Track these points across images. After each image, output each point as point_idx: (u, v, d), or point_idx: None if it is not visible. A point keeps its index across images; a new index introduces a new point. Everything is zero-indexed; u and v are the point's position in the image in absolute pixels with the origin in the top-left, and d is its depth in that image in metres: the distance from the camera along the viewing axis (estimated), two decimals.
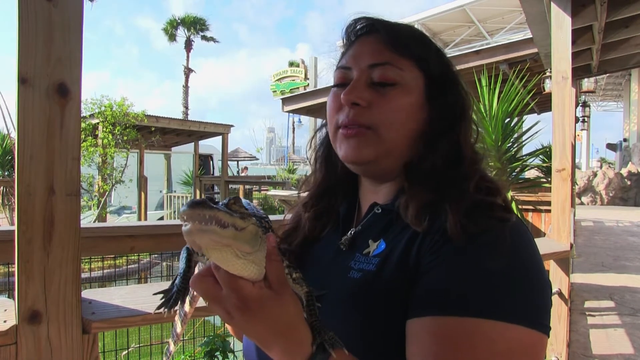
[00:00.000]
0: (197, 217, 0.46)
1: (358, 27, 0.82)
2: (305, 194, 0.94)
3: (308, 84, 19.57)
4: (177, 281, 0.65)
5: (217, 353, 2.80)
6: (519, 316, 0.59)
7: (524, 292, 0.61)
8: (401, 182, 0.77)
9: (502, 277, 0.61)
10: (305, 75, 20.24)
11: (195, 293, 0.72)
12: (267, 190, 15.14)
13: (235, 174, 21.49)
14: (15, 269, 1.06)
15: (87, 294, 1.31)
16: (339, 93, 0.78)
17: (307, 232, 0.88)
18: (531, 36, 5.02)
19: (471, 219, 0.64)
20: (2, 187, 9.77)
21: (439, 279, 0.63)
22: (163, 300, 0.65)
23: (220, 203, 0.50)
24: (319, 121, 13.58)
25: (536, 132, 4.82)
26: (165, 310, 0.64)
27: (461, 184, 0.71)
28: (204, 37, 28.05)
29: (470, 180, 0.71)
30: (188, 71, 27.70)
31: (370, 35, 0.80)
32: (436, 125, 0.76)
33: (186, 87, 27.49)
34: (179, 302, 0.65)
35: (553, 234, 3.08)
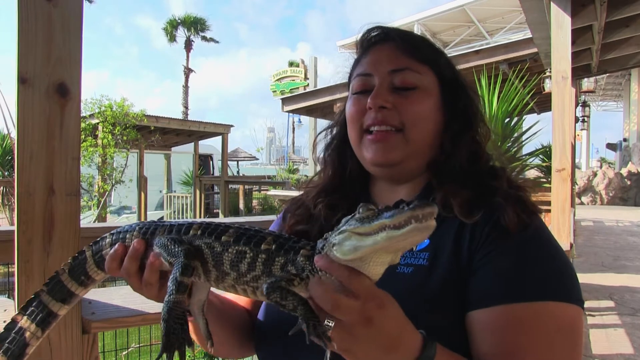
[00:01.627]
0: (433, 215, 0.53)
1: (372, 36, 0.87)
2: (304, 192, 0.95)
3: (308, 84, 19.54)
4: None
5: None
6: (570, 295, 0.68)
7: (567, 274, 0.71)
8: (423, 180, 0.83)
9: (551, 263, 0.71)
10: (305, 75, 20.21)
11: None
12: (267, 190, 15.12)
13: (236, 173, 21.48)
14: (15, 269, 1.06)
15: (87, 294, 1.31)
16: (361, 99, 0.83)
17: (323, 221, 0.88)
18: (531, 36, 5.02)
19: (520, 213, 0.72)
20: (2, 187, 9.75)
21: (499, 271, 0.69)
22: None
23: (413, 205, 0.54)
24: (319, 121, 13.58)
25: (536, 132, 4.83)
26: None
27: (495, 179, 0.78)
28: (204, 38, 28.03)
29: (501, 175, 0.79)
30: (188, 71, 27.68)
31: (385, 43, 0.85)
32: (454, 125, 0.82)
33: (186, 87, 27.46)
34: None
35: (553, 234, 3.07)
